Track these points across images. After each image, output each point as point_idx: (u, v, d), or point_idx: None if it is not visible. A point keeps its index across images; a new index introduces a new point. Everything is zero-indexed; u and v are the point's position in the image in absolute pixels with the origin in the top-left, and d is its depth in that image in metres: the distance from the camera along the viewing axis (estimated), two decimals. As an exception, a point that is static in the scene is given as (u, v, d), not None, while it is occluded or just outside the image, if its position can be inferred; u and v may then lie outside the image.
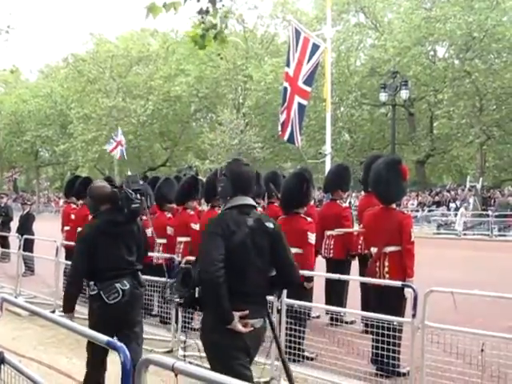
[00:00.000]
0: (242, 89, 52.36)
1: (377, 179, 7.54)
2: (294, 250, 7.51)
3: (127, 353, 3.05)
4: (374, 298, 7.28)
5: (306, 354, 7.27)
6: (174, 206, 10.42)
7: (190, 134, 57.92)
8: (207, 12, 6.35)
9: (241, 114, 48.89)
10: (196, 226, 9.58)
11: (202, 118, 60.32)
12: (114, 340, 3.27)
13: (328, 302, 9.23)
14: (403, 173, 7.47)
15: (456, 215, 33.11)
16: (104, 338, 3.34)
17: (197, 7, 6.34)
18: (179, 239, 9.80)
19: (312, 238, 7.81)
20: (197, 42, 6.51)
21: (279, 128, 19.28)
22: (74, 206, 12.82)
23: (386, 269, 7.16)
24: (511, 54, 41.70)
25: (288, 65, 19.66)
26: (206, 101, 53.95)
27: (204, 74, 51.59)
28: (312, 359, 7.27)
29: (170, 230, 10.15)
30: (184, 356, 7.55)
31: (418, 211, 35.45)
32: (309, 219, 7.96)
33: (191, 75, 51.07)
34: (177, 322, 8.16)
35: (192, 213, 9.81)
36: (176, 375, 2.85)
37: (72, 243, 11.32)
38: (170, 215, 10.41)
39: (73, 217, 12.44)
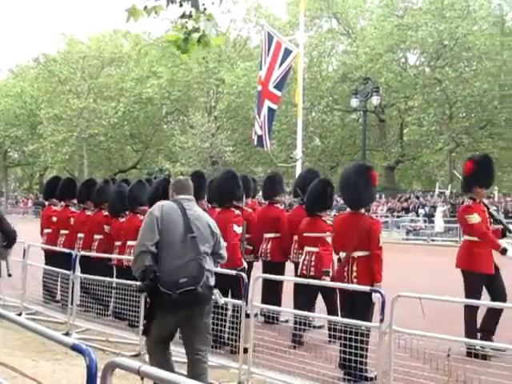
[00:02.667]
0: (213, 92, 52.32)
1: (346, 184, 7.58)
2: (314, 250, 8.42)
3: (93, 356, 3.01)
4: (342, 303, 7.31)
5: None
6: (147, 208, 10.36)
7: (161, 137, 57.68)
8: (190, 16, 6.32)
9: (212, 117, 48.86)
10: None
11: (174, 121, 60.12)
12: (80, 343, 3.22)
13: (297, 306, 9.24)
14: (372, 179, 7.51)
15: (425, 221, 33.38)
16: (70, 340, 3.30)
17: (179, 11, 6.31)
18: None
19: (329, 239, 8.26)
20: (179, 46, 6.47)
21: (257, 132, 19.27)
22: (54, 207, 12.40)
23: (355, 273, 7.18)
24: (481, 62, 42.15)
25: (261, 68, 19.72)
26: (178, 103, 53.78)
27: (176, 77, 51.42)
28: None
29: None
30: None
31: (387, 217, 35.62)
32: (328, 222, 8.61)
33: (163, 77, 50.86)
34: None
35: None
36: (142, 379, 2.83)
37: (54, 248, 11.28)
38: (142, 217, 10.32)
39: (54, 219, 12.07)
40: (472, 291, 8.09)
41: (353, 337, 6.25)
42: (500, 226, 8.81)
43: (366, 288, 6.59)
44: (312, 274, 8.51)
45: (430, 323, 7.45)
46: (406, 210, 36.62)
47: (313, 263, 8.62)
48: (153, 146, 57.94)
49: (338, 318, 6.94)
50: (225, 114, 49.76)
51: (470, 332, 7.90)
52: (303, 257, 8.93)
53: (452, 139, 42.85)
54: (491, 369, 5.35)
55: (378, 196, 39.45)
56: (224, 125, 49.40)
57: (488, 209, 8.72)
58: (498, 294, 8.21)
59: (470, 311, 8.04)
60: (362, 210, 7.47)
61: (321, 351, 6.90)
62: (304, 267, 8.86)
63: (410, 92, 44.43)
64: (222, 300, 6.07)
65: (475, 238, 8.39)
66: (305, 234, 8.83)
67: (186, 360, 6.16)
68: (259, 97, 19.17)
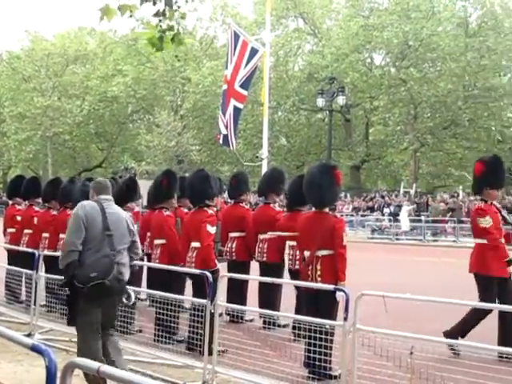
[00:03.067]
0: (180, 91, 52.11)
1: (310, 183, 7.59)
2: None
3: (52, 356, 2.97)
4: (307, 302, 7.32)
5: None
6: None
7: (127, 136, 57.34)
8: (164, 14, 6.29)
9: (178, 116, 48.69)
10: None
11: (139, 120, 59.71)
12: (40, 344, 3.18)
13: (262, 305, 9.26)
14: (336, 178, 7.52)
15: (390, 220, 33.65)
16: (29, 341, 3.25)
17: (153, 10, 6.28)
18: None
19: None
20: (154, 44, 6.44)
21: (222, 131, 19.20)
22: (18, 207, 12.17)
23: (319, 272, 7.18)
24: (445, 63, 42.62)
25: (227, 68, 19.67)
26: (144, 102, 53.48)
27: (142, 75, 51.13)
28: (223, 352, 7.23)
29: None
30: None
31: (352, 216, 35.83)
32: None
33: (129, 76, 50.55)
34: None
35: (130, 215, 9.66)
36: (102, 378, 2.81)
37: (17, 247, 11.12)
38: None
39: (18, 218, 11.84)
40: (487, 296, 7.92)
41: (317, 335, 6.27)
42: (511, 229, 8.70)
43: (330, 287, 6.61)
44: (297, 267, 8.52)
45: (393, 321, 7.51)
46: (371, 209, 36.88)
47: (298, 257, 8.64)
48: (118, 145, 57.58)
49: (303, 317, 6.94)
50: (191, 112, 49.64)
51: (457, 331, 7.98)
52: (287, 251, 8.99)
53: (417, 139, 43.26)
54: (453, 366, 5.39)
55: (343, 195, 39.75)
56: (190, 124, 49.28)
57: (500, 211, 8.55)
58: (508, 299, 7.87)
59: (479, 315, 7.94)
60: (326, 209, 7.48)
61: (285, 350, 6.90)
62: (290, 262, 8.90)
63: (376, 92, 44.77)
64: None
65: (486, 241, 8.23)
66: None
67: (150, 360, 6.16)
68: (224, 96, 19.11)
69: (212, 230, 8.24)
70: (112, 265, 6.08)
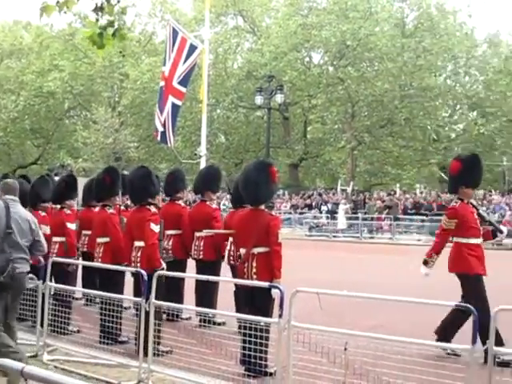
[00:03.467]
0: (117, 87, 51.56)
1: (246, 180, 7.59)
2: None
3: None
4: (243, 299, 7.32)
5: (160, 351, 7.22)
6: (48, 205, 10.07)
7: (63, 132, 56.32)
8: (102, 9, 6.17)
9: (116, 112, 48.15)
10: (72, 226, 9.36)
11: (76, 116, 58.73)
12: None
13: (198, 303, 9.23)
14: (272, 175, 7.53)
15: (327, 218, 33.95)
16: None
17: (91, 5, 6.15)
18: (54, 239, 9.39)
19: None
20: (95, 41, 6.30)
21: (158, 128, 19.08)
22: None
23: (254, 269, 7.19)
24: (382, 63, 43.21)
25: (164, 64, 19.55)
26: (81, 98, 52.63)
27: (79, 71, 50.29)
28: (162, 355, 7.21)
29: (45, 230, 9.72)
30: (52, 360, 7.43)
31: (290, 213, 36.03)
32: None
33: (65, 71, 49.62)
34: (42, 326, 7.89)
35: (69, 212, 9.49)
36: (26, 380, 2.76)
37: None
38: (44, 214, 9.99)
39: None
40: (474, 295, 7.72)
41: (252, 333, 6.27)
42: (490, 227, 8.59)
43: (265, 284, 6.62)
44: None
45: (329, 318, 7.57)
46: (309, 207, 37.16)
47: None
48: (54, 142, 56.50)
49: (238, 315, 6.95)
50: (129, 109, 49.12)
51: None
52: (228, 247, 8.95)
53: (354, 137, 43.76)
54: (387, 361, 5.45)
55: (281, 193, 39.99)
56: (128, 120, 48.81)
57: (477, 210, 8.46)
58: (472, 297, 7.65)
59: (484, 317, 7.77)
60: (262, 207, 7.49)
61: (221, 348, 6.88)
62: (231, 258, 8.88)
63: (314, 90, 45.09)
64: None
65: (465, 240, 8.10)
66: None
67: (85, 360, 6.09)
68: (161, 93, 18.99)
69: (156, 228, 8.11)
70: (8, 262, 6.35)
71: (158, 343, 7.17)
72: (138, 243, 8.17)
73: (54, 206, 9.92)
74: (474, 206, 8.46)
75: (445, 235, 8.31)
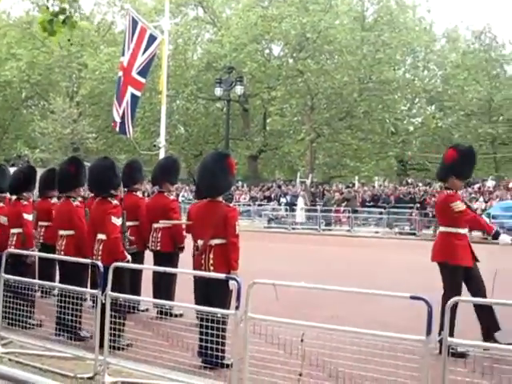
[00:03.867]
0: (76, 77, 51.03)
1: (203, 172, 7.57)
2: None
3: None
4: (200, 291, 7.30)
5: (119, 344, 7.16)
6: (6, 195, 9.87)
7: (20, 122, 55.47)
8: (53, -5, 6.08)
9: (74, 102, 47.69)
10: (29, 217, 9.14)
11: (34, 106, 57.96)
12: None
13: (156, 295, 9.18)
14: (230, 166, 7.51)
15: (286, 210, 34.05)
16: None
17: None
18: (12, 231, 9.19)
19: None
20: (46, 28, 6.19)
21: (114, 118, 18.91)
22: None
23: (211, 261, 7.18)
24: (342, 56, 43.47)
25: (123, 54, 19.36)
26: (38, 87, 51.93)
27: (37, 60, 49.58)
28: (123, 349, 7.16)
29: (3, 220, 9.46)
30: (6, 353, 7.34)
31: (249, 205, 36.07)
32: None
33: (23, 60, 48.87)
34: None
35: (26, 203, 9.27)
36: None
37: None
38: (1, 204, 9.73)
39: None
40: (454, 285, 7.74)
41: (209, 324, 6.26)
42: None
43: (222, 275, 6.61)
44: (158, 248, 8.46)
45: (287, 309, 7.59)
46: (268, 199, 37.23)
47: (159, 239, 8.52)
48: (11, 132, 55.62)
49: (197, 306, 6.94)
50: (87, 99, 48.69)
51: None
52: (152, 233, 8.85)
53: (313, 130, 43.94)
54: (343, 352, 5.49)
55: (240, 185, 39.99)
56: (86, 111, 48.40)
57: (463, 201, 8.34)
58: (477, 288, 7.85)
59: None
60: (220, 198, 7.48)
61: (178, 340, 6.86)
62: (152, 244, 8.80)
63: (274, 82, 45.18)
64: None
65: (454, 229, 7.98)
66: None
67: (40, 352, 6.00)
68: (120, 83, 18.81)
69: (117, 221, 7.98)
70: None
71: (119, 336, 7.11)
72: (101, 236, 8.03)
73: (10, 196, 9.75)
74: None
75: (466, 214, 8.08)
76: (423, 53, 48.90)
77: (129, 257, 8.05)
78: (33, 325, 8.33)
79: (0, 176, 9.92)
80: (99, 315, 6.75)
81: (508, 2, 53.42)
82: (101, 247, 7.99)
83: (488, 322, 7.73)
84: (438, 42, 51.10)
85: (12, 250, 8.47)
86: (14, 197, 9.54)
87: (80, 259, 7.84)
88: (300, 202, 33.35)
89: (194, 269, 7.45)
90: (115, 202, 8.16)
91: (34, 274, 9.35)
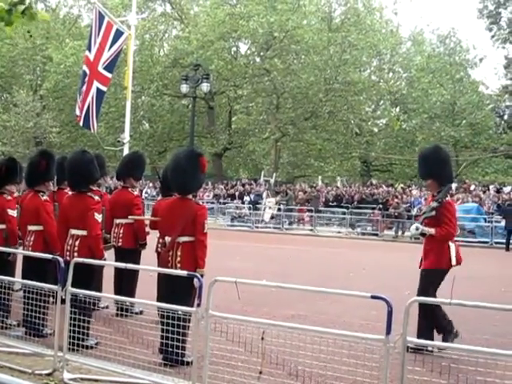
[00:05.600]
0: (40, 70, 50.47)
1: (175, 169, 7.53)
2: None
3: None
4: (165, 288, 7.27)
5: (87, 343, 7.10)
6: None
7: (-18, 115, 54.83)
8: (13, -15, 5.97)
9: (38, 96, 47.17)
10: (13, 212, 8.76)
11: (-4, 98, 57.30)
12: None
13: (117, 291, 9.12)
14: (202, 165, 7.49)
15: (250, 208, 34.05)
16: None
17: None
18: None
19: None
20: (3, 18, 6.06)
21: (77, 112, 18.79)
22: None
23: (179, 258, 7.16)
24: (309, 56, 43.64)
25: (89, 49, 19.26)
26: (1, 80, 51.25)
27: (0, 52, 49.00)
28: (92, 347, 7.12)
29: None
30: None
31: (213, 203, 36.02)
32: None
33: (-15, 52, 48.35)
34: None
35: (9, 198, 8.88)
36: None
37: None
38: None
39: None
40: (432, 288, 7.69)
41: (171, 322, 6.24)
42: None
43: (184, 273, 6.59)
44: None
45: (249, 307, 7.61)
46: (232, 197, 37.21)
47: (121, 235, 8.45)
48: (-28, 124, 54.93)
49: (157, 303, 6.92)
50: (51, 93, 48.15)
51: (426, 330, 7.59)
52: (113, 229, 8.85)
53: (278, 129, 44.08)
54: (303, 351, 5.52)
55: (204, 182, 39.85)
56: (50, 104, 47.91)
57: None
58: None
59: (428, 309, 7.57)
60: (190, 196, 7.46)
61: (139, 337, 6.83)
62: (114, 240, 8.72)
63: (240, 81, 45.19)
64: None
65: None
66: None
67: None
68: (84, 77, 18.69)
69: (99, 217, 7.87)
70: None
71: (87, 335, 7.09)
72: (76, 231, 7.85)
73: None
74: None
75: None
76: (389, 55, 49.40)
77: (105, 255, 7.98)
78: (12, 325, 8.14)
79: None
80: (59, 311, 6.68)
81: (473, 8, 54.12)
82: (77, 243, 7.82)
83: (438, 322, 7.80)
84: (403, 45, 51.69)
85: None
86: None
87: (44, 255, 7.65)
88: (268, 202, 33.32)
89: (160, 266, 7.41)
90: (97, 197, 8.04)
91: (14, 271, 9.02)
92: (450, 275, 7.39)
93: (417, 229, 7.92)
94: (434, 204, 7.82)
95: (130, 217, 9.38)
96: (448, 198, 8.01)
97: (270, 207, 33.11)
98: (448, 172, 8.27)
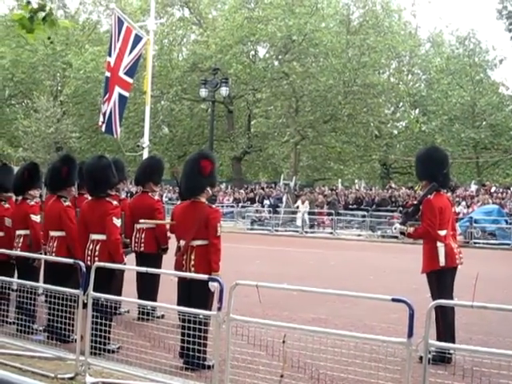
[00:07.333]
0: (60, 76, 50.77)
1: (182, 174, 7.62)
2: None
3: None
4: (183, 292, 7.28)
5: (108, 347, 7.12)
6: (12, 195, 9.49)
7: (3, 120, 55.02)
8: (33, -8, 5.99)
9: (58, 101, 47.48)
10: (36, 218, 8.77)
11: (17, 104, 57.56)
12: None
13: (139, 296, 9.15)
14: (202, 168, 7.45)
15: (270, 212, 33.99)
16: None
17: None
18: (18, 232, 8.90)
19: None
20: (24, 25, 6.07)
21: (100, 118, 18.88)
22: None
23: (193, 262, 7.18)
24: (327, 59, 43.56)
25: (110, 54, 19.33)
26: (22, 86, 51.65)
27: (20, 58, 49.25)
28: (113, 351, 7.15)
29: (7, 222, 9.17)
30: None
31: (233, 207, 36.04)
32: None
33: (6, 58, 48.55)
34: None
35: (32, 203, 8.91)
36: None
37: None
38: (7, 205, 9.37)
39: None
40: (441, 288, 7.59)
41: (191, 325, 6.25)
42: None
43: (204, 276, 6.60)
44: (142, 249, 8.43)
45: (269, 311, 7.59)
46: (252, 201, 37.20)
47: (143, 240, 8.47)
48: (-6, 130, 55.37)
49: (177, 307, 6.93)
50: (71, 98, 48.43)
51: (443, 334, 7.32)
52: (134, 234, 8.89)
53: (297, 132, 43.99)
54: (324, 354, 5.51)
55: (224, 186, 39.97)
56: (70, 110, 48.15)
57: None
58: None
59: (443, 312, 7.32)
60: (203, 199, 7.47)
61: (160, 341, 6.84)
62: (136, 245, 8.75)
63: (259, 84, 45.17)
64: None
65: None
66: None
67: (20, 352, 5.93)
68: (107, 83, 18.77)
69: (118, 222, 7.90)
70: None
71: (108, 338, 7.08)
72: (96, 236, 7.90)
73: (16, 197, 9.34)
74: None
75: None
76: (408, 57, 49.20)
77: (126, 259, 8.00)
78: (37, 330, 8.13)
79: (4, 175, 9.54)
80: (81, 316, 6.72)
81: (492, 9, 53.80)
82: (97, 248, 7.87)
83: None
84: (422, 47, 51.44)
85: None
86: (19, 197, 9.18)
87: (66, 259, 7.69)
88: (305, 206, 32.90)
89: (176, 269, 7.42)
90: (115, 202, 8.08)
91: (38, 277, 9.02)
92: (466, 278, 7.29)
93: (395, 228, 7.92)
94: (415, 202, 7.81)
95: (141, 221, 9.33)
96: (430, 196, 7.85)
97: (303, 213, 32.63)
98: (444, 173, 8.08)
